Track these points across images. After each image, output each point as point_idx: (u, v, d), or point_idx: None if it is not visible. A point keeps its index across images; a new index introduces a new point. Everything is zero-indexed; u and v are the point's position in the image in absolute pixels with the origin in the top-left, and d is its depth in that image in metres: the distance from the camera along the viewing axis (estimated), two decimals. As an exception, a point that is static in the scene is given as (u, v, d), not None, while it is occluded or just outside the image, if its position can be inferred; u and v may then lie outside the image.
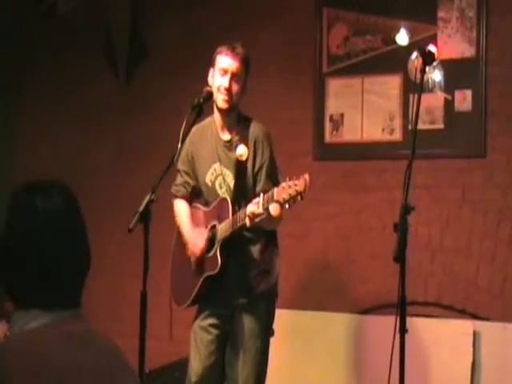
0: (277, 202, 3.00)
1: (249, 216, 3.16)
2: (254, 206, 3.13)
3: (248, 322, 3.42)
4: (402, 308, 3.00)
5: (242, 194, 3.39)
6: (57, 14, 5.42)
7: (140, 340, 3.00)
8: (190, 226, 3.57)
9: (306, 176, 2.95)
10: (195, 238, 3.49)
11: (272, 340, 3.56)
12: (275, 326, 3.57)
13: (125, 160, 5.22)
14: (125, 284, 4.95)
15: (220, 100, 3.41)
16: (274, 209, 3.17)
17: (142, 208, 3.02)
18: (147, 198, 3.04)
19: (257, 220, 3.17)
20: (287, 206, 3.00)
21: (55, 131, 5.43)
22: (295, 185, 2.95)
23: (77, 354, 1.54)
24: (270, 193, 3.05)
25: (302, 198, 2.97)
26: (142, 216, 3.01)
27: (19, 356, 1.48)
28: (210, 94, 3.37)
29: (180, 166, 3.60)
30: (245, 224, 3.21)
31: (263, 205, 3.08)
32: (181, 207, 3.66)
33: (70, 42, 5.37)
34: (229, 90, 3.38)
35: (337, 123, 4.62)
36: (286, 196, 2.97)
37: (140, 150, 5.16)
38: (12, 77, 5.53)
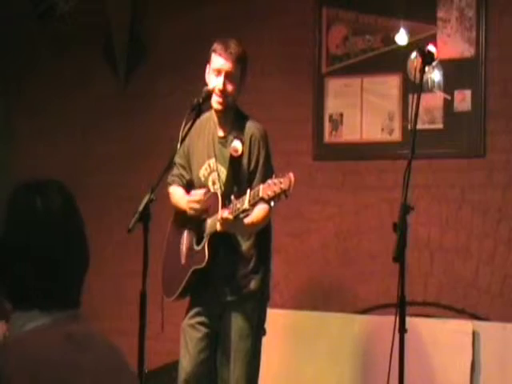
0: (262, 198, 3.04)
1: (219, 221, 3.24)
2: (225, 212, 3.20)
3: (238, 322, 3.41)
4: (401, 308, 2.99)
5: (234, 189, 3.38)
6: (57, 14, 5.41)
7: (139, 340, 3.00)
8: (187, 196, 3.55)
9: (291, 174, 2.99)
10: (190, 197, 3.48)
11: (270, 340, 3.55)
12: (274, 325, 3.57)
13: (124, 160, 5.21)
14: (124, 284, 4.95)
15: (214, 102, 3.39)
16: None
17: (141, 208, 3.02)
18: (146, 197, 3.04)
19: (242, 215, 3.21)
20: (272, 203, 3.04)
21: (54, 131, 5.43)
22: (280, 182, 2.99)
23: (76, 354, 1.53)
24: (255, 189, 3.09)
25: (286, 196, 3.01)
26: (141, 216, 3.01)
27: (18, 357, 1.47)
28: (210, 94, 3.35)
29: (177, 159, 3.57)
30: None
31: (249, 201, 3.11)
32: (177, 190, 3.63)
33: (70, 41, 5.37)
34: (223, 92, 3.37)
35: (336, 123, 4.62)
36: (270, 193, 3.01)
37: (139, 149, 5.15)
38: (11, 77, 5.53)
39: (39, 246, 1.57)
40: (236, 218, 3.20)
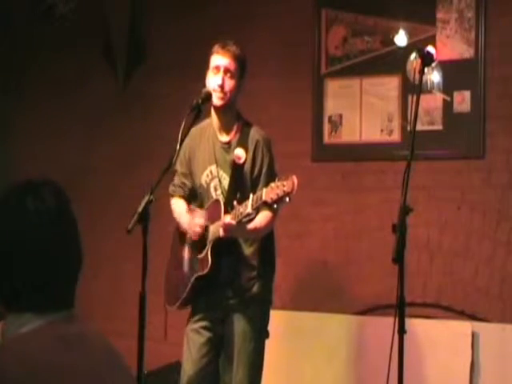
0: (265, 202, 3.04)
1: (222, 227, 3.24)
2: (228, 217, 3.21)
3: (241, 325, 3.41)
4: (400, 309, 2.99)
5: (237, 195, 3.37)
6: (56, 14, 5.41)
7: (138, 341, 3.00)
8: (188, 215, 3.54)
9: (294, 177, 2.99)
10: (193, 220, 3.47)
11: (270, 341, 3.55)
12: (273, 326, 3.56)
13: (123, 160, 5.21)
14: (123, 285, 4.94)
15: (215, 98, 3.39)
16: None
17: (140, 209, 3.01)
18: (146, 198, 3.03)
19: (245, 220, 3.22)
20: (275, 206, 3.04)
21: (54, 131, 5.43)
22: (283, 185, 3.00)
23: (71, 355, 1.51)
24: (258, 193, 3.10)
25: (289, 199, 3.02)
26: (140, 217, 3.01)
27: (13, 359, 1.46)
28: (209, 95, 3.36)
29: (178, 167, 3.59)
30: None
31: (252, 205, 3.12)
32: (178, 203, 3.64)
33: (70, 42, 5.36)
34: (222, 87, 3.38)
35: (335, 124, 4.62)
36: (273, 196, 3.01)
37: (139, 150, 5.15)
38: (11, 77, 5.53)
39: (30, 247, 1.54)
40: (239, 222, 3.21)
